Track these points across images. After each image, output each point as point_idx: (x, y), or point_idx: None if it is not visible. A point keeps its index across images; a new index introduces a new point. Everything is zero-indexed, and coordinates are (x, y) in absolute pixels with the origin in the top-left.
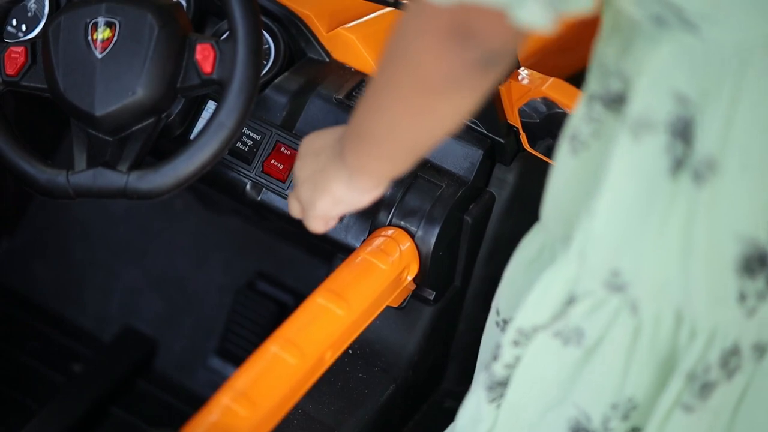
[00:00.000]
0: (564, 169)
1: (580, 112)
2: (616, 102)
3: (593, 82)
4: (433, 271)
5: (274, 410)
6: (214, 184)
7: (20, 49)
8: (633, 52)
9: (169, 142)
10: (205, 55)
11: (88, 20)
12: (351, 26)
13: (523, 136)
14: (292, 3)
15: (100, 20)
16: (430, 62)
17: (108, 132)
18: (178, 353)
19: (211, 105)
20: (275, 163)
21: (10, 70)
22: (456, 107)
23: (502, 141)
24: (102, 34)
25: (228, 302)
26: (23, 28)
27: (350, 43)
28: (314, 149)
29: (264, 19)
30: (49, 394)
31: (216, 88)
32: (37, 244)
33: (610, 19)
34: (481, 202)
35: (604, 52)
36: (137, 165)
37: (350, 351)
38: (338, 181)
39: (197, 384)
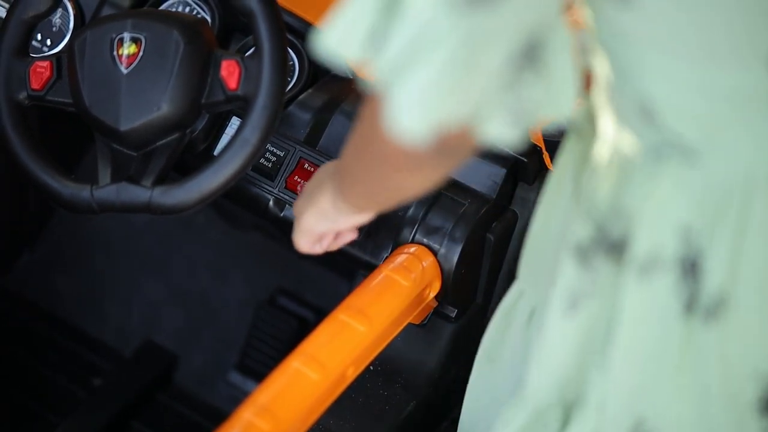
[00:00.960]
0: (561, 333)
1: (569, 269)
2: (617, 248)
3: (582, 228)
4: (455, 289)
5: (295, 426)
6: (238, 200)
7: (45, 63)
8: (631, 190)
9: (192, 157)
10: (230, 72)
11: (114, 35)
12: None
13: (546, 155)
14: (316, 19)
15: (126, 36)
16: (394, 149)
17: (132, 147)
18: (199, 367)
19: (235, 121)
20: (298, 180)
21: (35, 85)
22: (422, 181)
23: (525, 160)
24: (128, 49)
25: (249, 317)
26: (48, 42)
27: None
28: (327, 168)
29: (288, 35)
30: (69, 408)
31: (241, 104)
32: (59, 256)
33: (600, 154)
34: (504, 220)
35: (594, 194)
36: (161, 180)
37: (371, 367)
38: (326, 196)
39: (217, 399)
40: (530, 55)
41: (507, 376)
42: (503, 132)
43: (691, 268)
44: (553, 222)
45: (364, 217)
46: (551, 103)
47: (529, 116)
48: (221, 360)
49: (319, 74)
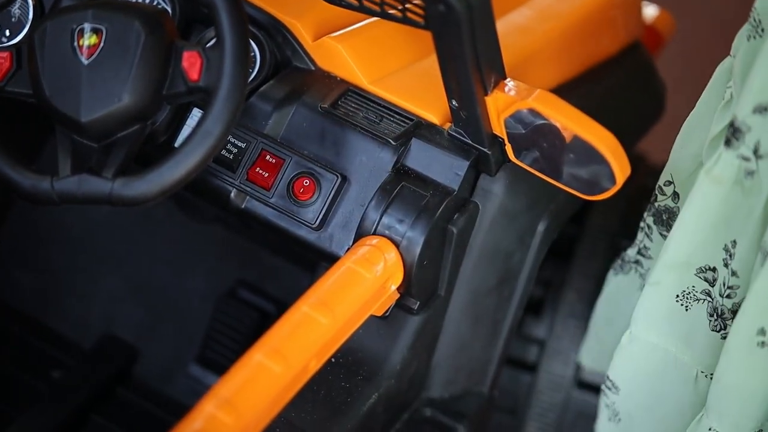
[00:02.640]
0: None
1: None
2: None
3: None
4: (418, 281)
5: (258, 418)
6: (199, 192)
7: (5, 54)
8: None
9: (153, 149)
10: (191, 63)
11: (75, 26)
12: (337, 35)
13: (508, 147)
14: (278, 12)
15: (87, 26)
16: None
17: (93, 138)
18: (159, 361)
19: (196, 112)
20: (260, 171)
21: None
22: None
23: (488, 151)
24: (88, 40)
25: (210, 310)
26: (7, 33)
27: (336, 52)
28: None
29: (250, 27)
30: (28, 402)
31: (202, 96)
32: (17, 250)
33: None
34: (466, 212)
35: None
36: (122, 172)
37: (333, 359)
38: None
39: (178, 392)
40: None
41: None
42: None
43: None
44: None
45: None
46: None
47: None
48: (182, 353)
49: (280, 66)
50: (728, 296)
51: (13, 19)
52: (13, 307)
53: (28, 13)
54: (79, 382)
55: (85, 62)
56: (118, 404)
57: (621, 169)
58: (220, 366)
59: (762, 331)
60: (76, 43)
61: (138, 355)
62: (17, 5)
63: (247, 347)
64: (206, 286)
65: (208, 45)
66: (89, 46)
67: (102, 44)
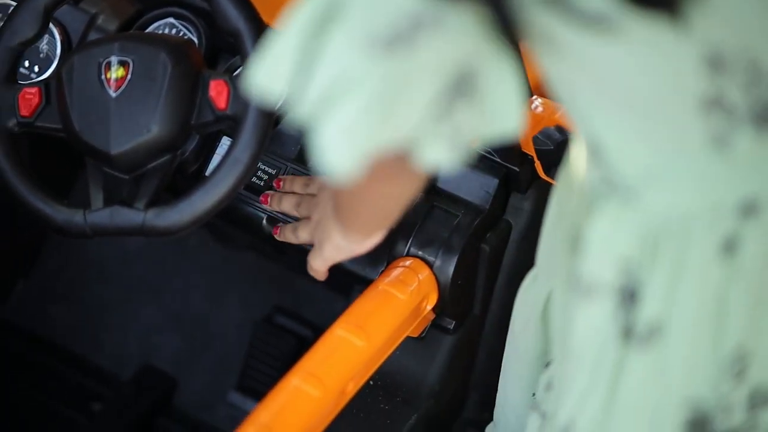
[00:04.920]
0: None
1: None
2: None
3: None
4: (452, 301)
5: None
6: (231, 220)
7: (34, 90)
8: (584, 217)
9: (184, 179)
10: (218, 91)
11: (102, 59)
12: None
13: (537, 164)
14: None
15: (114, 59)
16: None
17: (124, 170)
18: (198, 390)
19: (225, 141)
20: None
21: (24, 111)
22: (405, 188)
23: (517, 169)
24: (115, 73)
25: (246, 337)
26: (36, 69)
27: None
28: (322, 208)
29: None
30: None
31: (230, 124)
32: (53, 284)
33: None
34: (498, 230)
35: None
36: (154, 202)
37: (371, 382)
38: (335, 233)
39: (218, 420)
40: (461, 87)
41: (527, 348)
42: (441, 157)
43: (629, 297)
44: (560, 215)
45: (377, 239)
46: (490, 126)
47: (465, 140)
48: (220, 381)
49: None
50: None
51: (41, 55)
52: (51, 341)
53: (55, 49)
54: (119, 413)
55: (113, 95)
56: None
57: None
58: (259, 392)
59: None
60: (103, 77)
61: (177, 384)
62: (45, 41)
63: (285, 373)
64: (242, 313)
65: (234, 73)
66: (117, 79)
67: (129, 76)
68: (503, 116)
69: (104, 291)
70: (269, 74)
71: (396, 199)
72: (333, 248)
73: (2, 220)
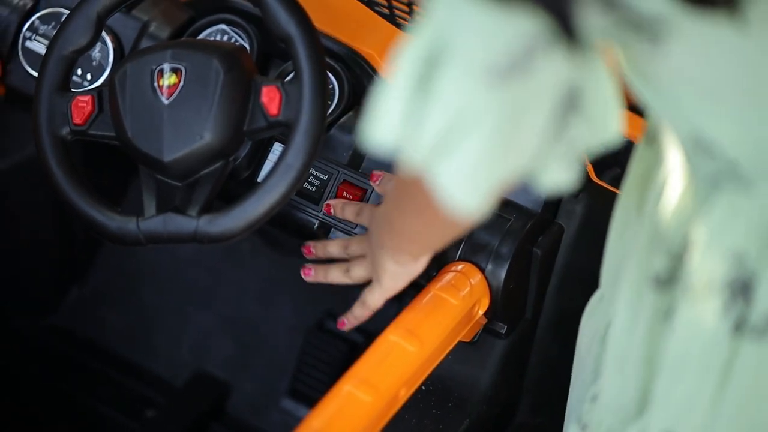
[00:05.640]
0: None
1: (650, 298)
2: (667, 283)
3: (659, 260)
4: (504, 305)
5: None
6: (283, 226)
7: (87, 98)
8: (684, 217)
9: (236, 185)
10: (270, 98)
11: (154, 67)
12: None
13: (589, 167)
14: (355, 42)
15: (166, 66)
16: (448, 216)
17: (177, 177)
18: (251, 395)
19: (277, 147)
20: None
21: (77, 119)
22: (460, 230)
23: None
24: (168, 80)
25: (298, 343)
26: (88, 77)
27: None
28: (367, 238)
29: (328, 59)
30: None
31: (282, 130)
32: (106, 291)
33: (655, 189)
34: (550, 234)
35: (660, 222)
36: (207, 209)
37: (423, 387)
38: (388, 263)
39: (271, 425)
40: (572, 104)
41: (584, 375)
42: (560, 177)
43: (741, 290)
44: (626, 234)
45: (429, 256)
46: (598, 136)
47: (579, 156)
48: (273, 387)
49: (359, 96)
50: None
51: (93, 63)
52: (105, 348)
53: (108, 56)
54: (172, 420)
55: (166, 102)
56: None
57: None
58: (312, 399)
59: None
60: (156, 84)
61: (230, 390)
62: (97, 49)
63: (337, 379)
64: (294, 319)
65: (286, 79)
66: (169, 86)
67: (182, 83)
68: (607, 123)
69: (157, 297)
70: (379, 126)
71: (446, 237)
72: (390, 277)
73: (58, 227)
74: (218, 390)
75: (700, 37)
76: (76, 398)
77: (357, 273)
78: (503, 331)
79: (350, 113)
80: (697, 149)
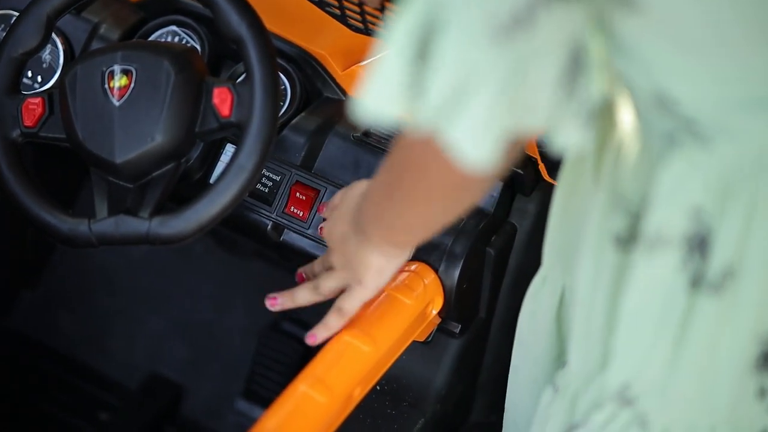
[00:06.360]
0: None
1: (610, 257)
2: (627, 242)
3: (619, 219)
4: (458, 304)
5: None
6: (236, 227)
7: (37, 100)
8: (641, 175)
9: (188, 186)
10: (222, 99)
11: (105, 69)
12: (366, 64)
13: (542, 167)
14: (306, 43)
15: (116, 68)
16: (458, 177)
17: (128, 179)
18: (205, 398)
19: (229, 148)
20: (296, 203)
21: (28, 122)
22: (463, 203)
23: (521, 172)
24: (119, 81)
25: (253, 344)
26: (39, 79)
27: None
28: (340, 237)
29: (279, 60)
30: None
31: (234, 131)
32: (59, 294)
33: (619, 140)
34: (503, 233)
35: (618, 182)
36: (158, 211)
37: (378, 387)
38: (375, 258)
39: (225, 428)
40: (578, 63)
41: (539, 357)
42: (575, 136)
43: (698, 246)
44: (574, 206)
45: (414, 246)
46: (602, 101)
47: (591, 116)
48: (227, 388)
49: (311, 97)
50: None
51: (44, 65)
52: (58, 351)
53: (58, 59)
54: (126, 423)
55: (117, 104)
56: None
57: None
58: (267, 399)
59: None
60: (107, 85)
61: (184, 392)
62: (48, 51)
63: (292, 379)
64: (248, 321)
65: (238, 80)
66: (120, 88)
67: (132, 85)
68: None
69: (110, 300)
70: (379, 96)
71: (456, 212)
72: (376, 274)
73: (8, 230)
74: (172, 392)
75: None
76: (29, 402)
77: (327, 285)
78: (457, 330)
79: (302, 114)
80: (657, 108)
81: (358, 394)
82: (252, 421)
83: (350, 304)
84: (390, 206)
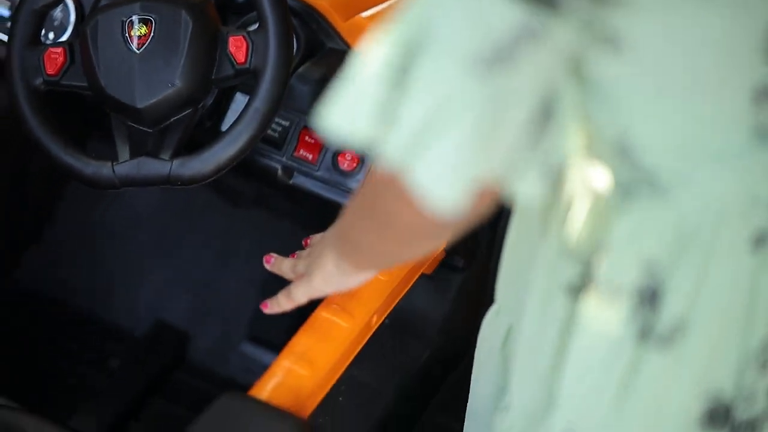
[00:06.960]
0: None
1: (561, 305)
2: (579, 290)
3: (570, 268)
4: (461, 240)
5: (331, 371)
6: (247, 171)
7: (59, 50)
8: (594, 227)
9: (201, 133)
10: (237, 47)
11: (124, 18)
12: (367, 15)
13: None
14: None
15: (135, 18)
16: (422, 220)
17: (149, 124)
18: (211, 343)
19: (239, 97)
20: (305, 147)
21: (50, 70)
22: (426, 248)
23: None
24: (138, 30)
25: (256, 291)
26: (51, 36)
27: (367, 31)
28: (326, 238)
29: None
30: (88, 392)
31: (249, 78)
32: (66, 247)
33: (563, 203)
34: None
35: (570, 232)
36: (178, 153)
37: (386, 321)
38: (329, 259)
39: (232, 370)
40: (547, 112)
41: (489, 385)
42: (535, 187)
43: (649, 298)
44: (523, 252)
45: (368, 276)
46: (570, 154)
47: (555, 169)
48: (232, 333)
49: (315, 49)
50: None
51: (55, 23)
52: (66, 303)
53: (69, 16)
54: (135, 369)
55: (137, 51)
56: (175, 386)
57: None
58: (270, 342)
59: None
60: (127, 34)
61: (190, 339)
62: (58, 9)
63: (296, 323)
64: (252, 269)
65: (250, 29)
66: (140, 36)
67: (152, 34)
68: (573, 141)
69: (115, 252)
70: (346, 115)
71: (420, 252)
72: (322, 278)
73: (12, 186)
74: (178, 338)
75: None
76: (39, 353)
77: (300, 266)
78: (460, 264)
79: (307, 64)
80: (618, 157)
81: (375, 321)
82: (257, 363)
83: (297, 292)
84: (359, 229)
